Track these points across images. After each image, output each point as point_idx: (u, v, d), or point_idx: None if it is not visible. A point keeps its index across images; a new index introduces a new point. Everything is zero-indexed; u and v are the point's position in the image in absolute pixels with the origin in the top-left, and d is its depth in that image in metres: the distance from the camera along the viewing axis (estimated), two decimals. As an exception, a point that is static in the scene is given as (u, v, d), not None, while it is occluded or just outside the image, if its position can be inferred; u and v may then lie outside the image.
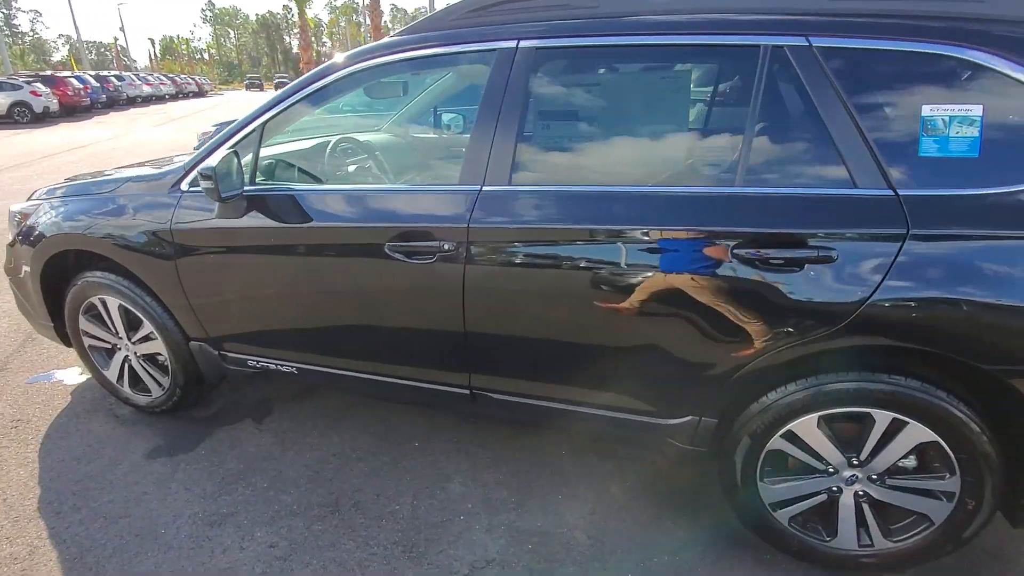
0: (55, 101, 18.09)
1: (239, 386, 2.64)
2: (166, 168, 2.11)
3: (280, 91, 1.88)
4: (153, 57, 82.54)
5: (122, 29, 71.04)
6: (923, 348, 1.34)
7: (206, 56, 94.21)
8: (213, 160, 1.69)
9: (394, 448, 2.21)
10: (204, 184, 1.69)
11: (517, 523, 1.85)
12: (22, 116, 17.18)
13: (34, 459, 2.18)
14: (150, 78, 30.43)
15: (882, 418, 1.43)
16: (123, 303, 2.19)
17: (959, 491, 1.43)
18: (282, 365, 2.05)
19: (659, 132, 1.57)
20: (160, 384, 2.32)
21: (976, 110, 1.28)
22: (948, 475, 1.44)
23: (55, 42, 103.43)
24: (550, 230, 1.53)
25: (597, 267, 1.51)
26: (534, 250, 1.56)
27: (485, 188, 1.59)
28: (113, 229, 2.05)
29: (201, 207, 1.92)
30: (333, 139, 2.47)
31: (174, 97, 32.85)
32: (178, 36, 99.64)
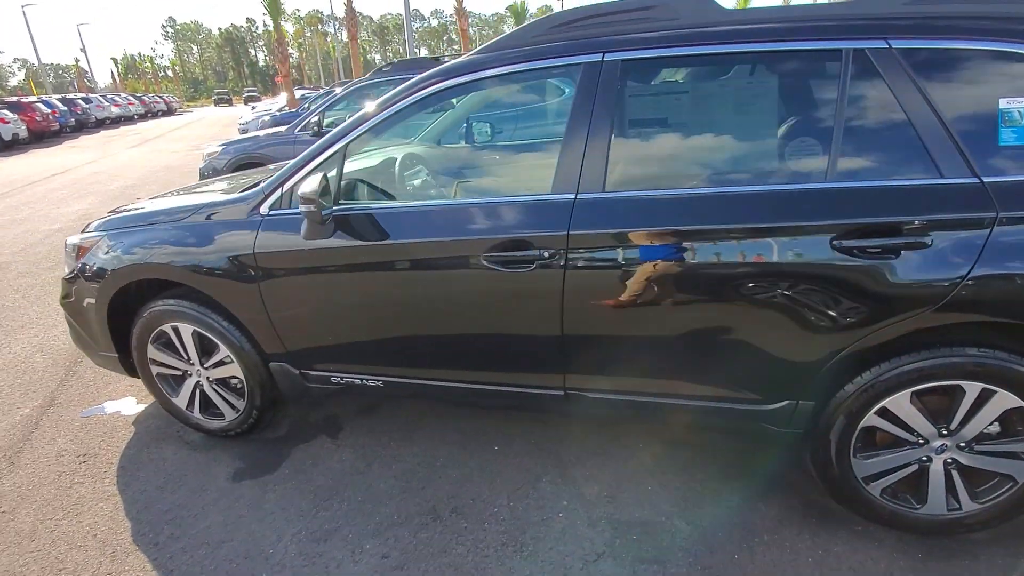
0: (23, 127, 17.56)
1: (302, 406, 2.66)
2: (239, 194, 2.13)
3: (358, 115, 1.92)
4: (116, 77, 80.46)
5: (83, 50, 68.89)
6: (1013, 322, 1.44)
7: (170, 73, 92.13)
8: (309, 184, 1.72)
9: (476, 454, 2.26)
10: (305, 207, 1.72)
11: (616, 516, 1.92)
12: (-10, 145, 16.62)
13: (114, 492, 2.17)
14: (118, 99, 29.69)
15: (972, 389, 1.54)
16: (198, 329, 2.19)
17: (1047, 454, 1.55)
18: (367, 379, 2.08)
19: (746, 135, 1.66)
20: (234, 407, 2.33)
21: (1049, 101, 1.39)
22: (1033, 439, 1.55)
23: (11, 67, 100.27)
24: (649, 233, 1.60)
25: (696, 266, 1.59)
26: (633, 253, 1.64)
27: (580, 196, 1.66)
28: (192, 256, 2.06)
29: (284, 230, 1.95)
30: (399, 155, 2.51)
31: (143, 117, 32.14)
32: (139, 54, 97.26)
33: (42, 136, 18.81)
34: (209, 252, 2.03)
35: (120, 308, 2.30)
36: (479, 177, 2.78)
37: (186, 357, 2.30)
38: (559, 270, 1.68)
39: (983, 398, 1.54)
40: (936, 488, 1.68)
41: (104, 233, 2.27)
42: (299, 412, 2.61)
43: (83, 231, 2.45)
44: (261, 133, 5.92)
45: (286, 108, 18.46)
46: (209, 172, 5.58)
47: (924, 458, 1.66)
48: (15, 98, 20.41)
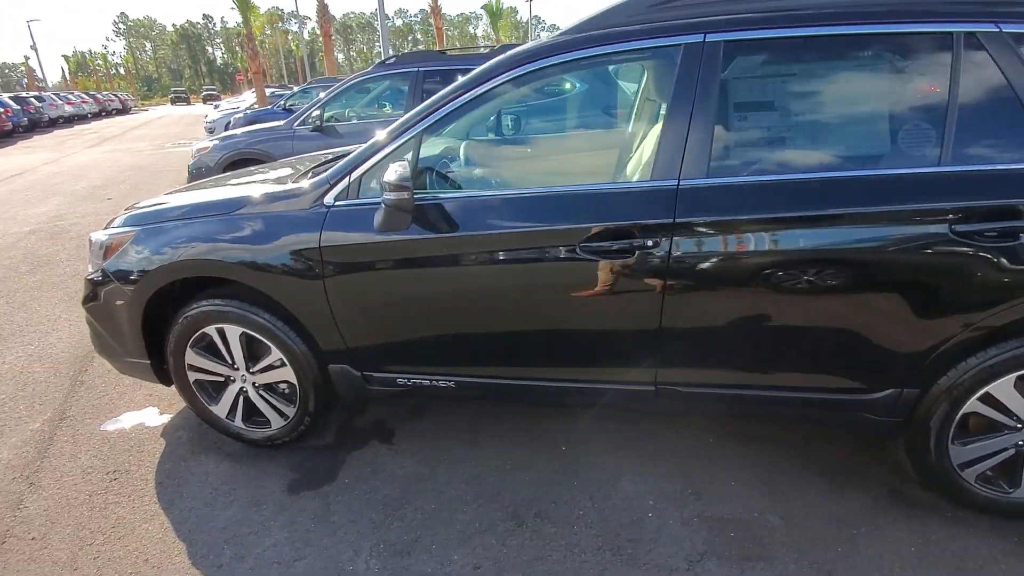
0: (-27, 128, 16.43)
1: (343, 412, 2.51)
2: (293, 185, 1.98)
3: (432, 99, 1.81)
4: (66, 75, 76.39)
5: (33, 47, 64.96)
6: None
7: (122, 71, 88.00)
8: (396, 171, 1.60)
9: (544, 455, 2.17)
10: (394, 195, 1.60)
11: (707, 513, 1.87)
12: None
13: (157, 511, 1.98)
14: (71, 97, 28.14)
15: (1077, 372, 1.55)
16: (247, 331, 2.03)
17: None
18: (439, 380, 1.97)
19: (856, 118, 1.63)
20: (283, 414, 2.17)
21: None
22: None
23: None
24: (760, 220, 1.56)
25: (806, 253, 1.55)
26: (742, 241, 1.59)
27: (683, 183, 1.60)
28: (249, 252, 1.90)
29: (353, 221, 1.82)
30: (462, 144, 2.40)
31: (97, 116, 30.57)
32: (90, 51, 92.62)
33: (-8, 136, 17.65)
34: (269, 247, 1.88)
35: (151, 311, 2.12)
36: (545, 164, 2.70)
37: (230, 361, 2.13)
38: (663, 259, 1.61)
39: (1085, 380, 1.55)
40: (1031, 472, 1.69)
41: (138, 229, 2.08)
42: (341, 418, 2.46)
43: (108, 227, 2.25)
44: (253, 128, 5.66)
45: (255, 106, 17.89)
46: (200, 169, 5.29)
47: (1021, 442, 1.67)
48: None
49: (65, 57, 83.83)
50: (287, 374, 2.08)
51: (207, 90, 54.00)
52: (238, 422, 2.24)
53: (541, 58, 1.71)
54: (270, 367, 2.10)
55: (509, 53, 1.80)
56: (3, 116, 17.93)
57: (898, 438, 1.86)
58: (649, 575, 1.65)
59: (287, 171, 2.43)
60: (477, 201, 1.78)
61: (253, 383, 2.15)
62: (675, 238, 1.59)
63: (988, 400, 1.63)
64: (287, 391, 2.17)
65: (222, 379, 2.18)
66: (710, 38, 1.60)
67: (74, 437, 2.42)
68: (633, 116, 2.71)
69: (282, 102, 12.99)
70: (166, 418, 2.53)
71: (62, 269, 4.63)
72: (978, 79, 1.49)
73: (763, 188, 1.58)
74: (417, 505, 1.95)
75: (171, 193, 2.52)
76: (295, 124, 5.21)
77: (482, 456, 2.19)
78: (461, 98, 1.76)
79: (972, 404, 1.65)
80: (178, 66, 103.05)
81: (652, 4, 1.66)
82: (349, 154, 1.99)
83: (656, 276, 1.63)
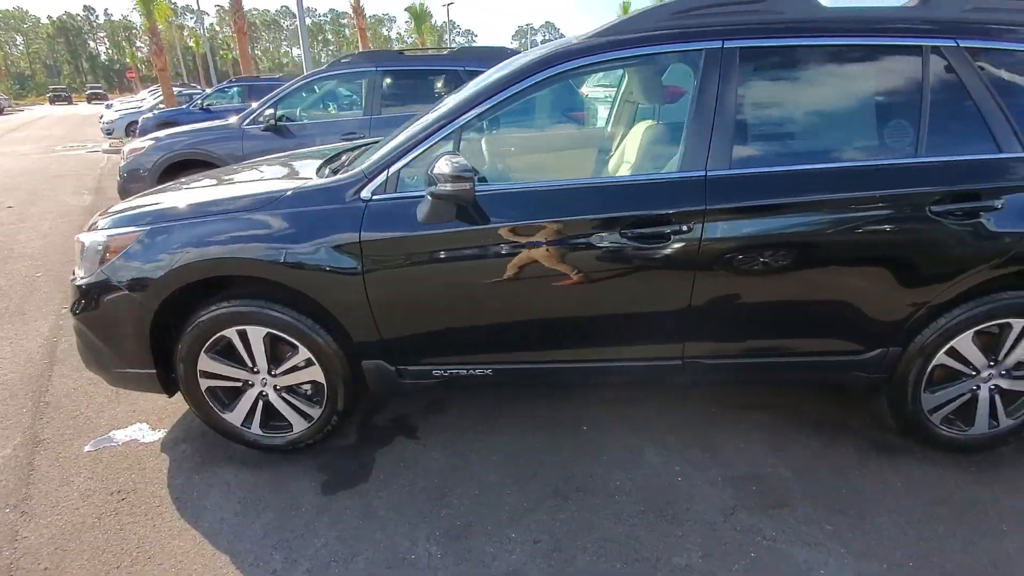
0: None
1: (358, 411, 2.48)
2: (325, 180, 1.96)
3: (469, 95, 1.87)
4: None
5: None
6: None
7: (-13, 66, 77.32)
8: (452, 163, 1.64)
9: (568, 437, 2.28)
10: (454, 187, 1.63)
11: (728, 473, 2.07)
12: None
13: (184, 526, 1.88)
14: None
15: (1019, 325, 1.90)
16: (272, 331, 1.97)
17: (1061, 367, 1.96)
18: (476, 368, 2.02)
19: (849, 118, 1.89)
20: (307, 416, 2.12)
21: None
22: (1054, 357, 1.95)
23: None
24: (782, 205, 1.77)
25: (817, 234, 1.79)
26: (763, 225, 1.79)
27: (710, 173, 1.78)
28: (282, 249, 1.84)
29: (394, 214, 1.83)
30: (483, 138, 2.44)
31: (-38, 116, 26.74)
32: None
33: None
34: (307, 244, 1.84)
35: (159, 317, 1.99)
36: (554, 159, 2.81)
37: (250, 365, 2.05)
38: (695, 243, 1.78)
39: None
40: (982, 411, 2.03)
41: (145, 228, 1.95)
42: (359, 418, 2.43)
43: (95, 229, 2.08)
44: (195, 127, 5.27)
45: (162, 106, 16.50)
46: (138, 171, 4.87)
47: (975, 387, 2.01)
48: None
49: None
50: (314, 374, 2.04)
51: (92, 88, 48.87)
52: (255, 429, 2.15)
53: (575, 58, 1.83)
54: (294, 368, 2.05)
55: (543, 53, 1.90)
56: None
57: (878, 395, 2.16)
58: (694, 530, 1.81)
59: (288, 167, 2.36)
60: (521, 192, 1.86)
61: (275, 386, 2.08)
62: (706, 223, 1.77)
63: (952, 353, 1.96)
64: (310, 392, 2.12)
65: (239, 384, 2.09)
66: (728, 44, 1.79)
67: (58, 461, 2.20)
68: (613, 117, 2.91)
69: (199, 101, 12.14)
70: (161, 433, 2.37)
71: (-22, 284, 4.10)
72: (942, 84, 1.79)
73: (777, 176, 1.80)
74: (460, 493, 2.00)
75: (158, 192, 2.36)
76: (244, 124, 4.94)
77: (508, 442, 2.26)
78: (499, 95, 1.84)
79: (940, 357, 1.96)
80: (55, 62, 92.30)
81: (676, 11, 1.83)
82: (371, 148, 2.00)
83: (689, 257, 1.80)
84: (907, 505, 1.90)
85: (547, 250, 1.82)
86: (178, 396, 2.21)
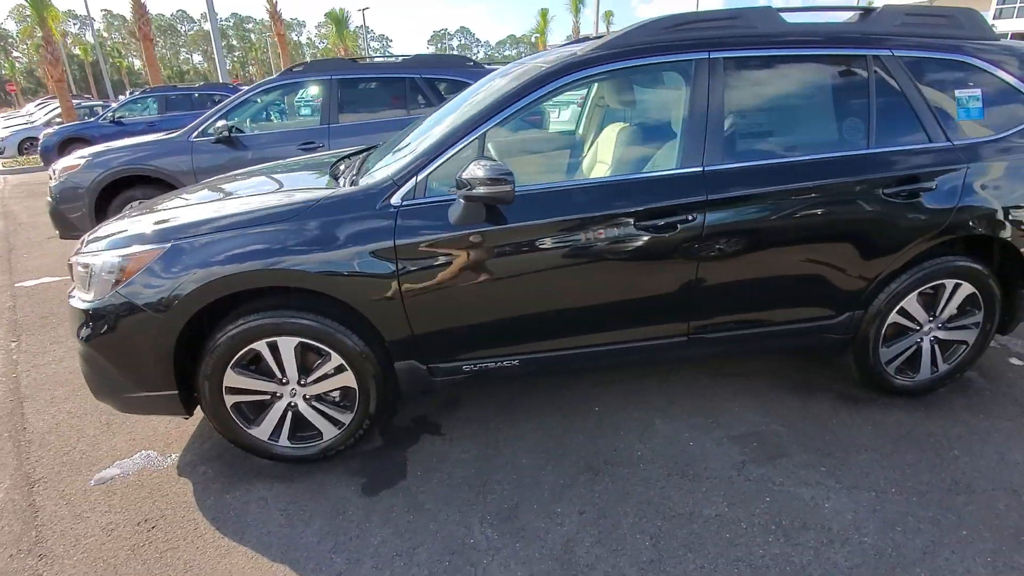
0: None
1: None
2: (349, 189, 2.00)
3: (491, 103, 1.99)
4: None
5: None
6: (987, 234, 2.20)
7: None
8: (488, 166, 1.76)
9: (583, 419, 2.46)
10: (491, 189, 1.75)
11: (731, 434, 2.33)
12: None
13: (231, 545, 1.85)
14: None
15: (950, 284, 2.30)
16: (304, 340, 1.98)
17: (982, 320, 2.39)
18: (505, 361, 2.14)
19: (818, 116, 2.18)
20: (337, 423, 2.14)
21: (977, 91, 2.19)
22: (976, 312, 2.38)
23: None
24: (769, 193, 2.04)
25: (800, 217, 2.08)
26: (757, 209, 2.06)
27: (707, 168, 2.03)
28: (319, 259, 1.86)
29: (426, 218, 1.92)
30: (490, 143, 2.52)
31: None
32: None
33: None
34: (342, 252, 1.88)
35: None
36: (574, 159, 2.98)
37: (279, 376, 2.05)
38: (698, 229, 2.02)
39: (954, 290, 2.32)
40: (925, 360, 2.44)
41: (166, 245, 1.89)
42: (379, 423, 2.47)
43: (98, 251, 1.98)
44: (134, 142, 4.91)
45: (60, 120, 14.98)
46: (76, 190, 4.49)
47: (919, 339, 2.41)
48: None
49: None
50: (345, 379, 2.07)
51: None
52: (283, 441, 2.14)
53: (586, 68, 2.01)
54: (324, 376, 2.07)
55: (557, 64, 2.04)
56: None
57: (844, 353, 2.51)
58: (715, 485, 2.04)
59: (292, 178, 2.36)
60: (547, 192, 2.01)
61: (304, 395, 2.09)
62: (708, 210, 2.01)
63: (902, 312, 2.33)
64: (338, 399, 2.14)
65: (267, 397, 2.08)
66: (714, 55, 2.05)
67: (63, 498, 2.07)
68: (584, 120, 3.13)
69: (108, 114, 11.22)
70: (173, 458, 2.28)
71: None
72: (883, 87, 2.15)
73: (763, 169, 2.07)
74: (499, 479, 2.11)
75: (155, 211, 2.27)
76: (192, 136, 4.70)
77: (531, 429, 2.40)
78: (520, 102, 1.98)
79: (892, 316, 2.33)
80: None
81: (666, 26, 2.06)
82: (375, 156, 2.06)
83: (694, 242, 2.03)
84: (878, 443, 2.24)
85: (572, 243, 1.99)
86: (178, 420, 2.16)
